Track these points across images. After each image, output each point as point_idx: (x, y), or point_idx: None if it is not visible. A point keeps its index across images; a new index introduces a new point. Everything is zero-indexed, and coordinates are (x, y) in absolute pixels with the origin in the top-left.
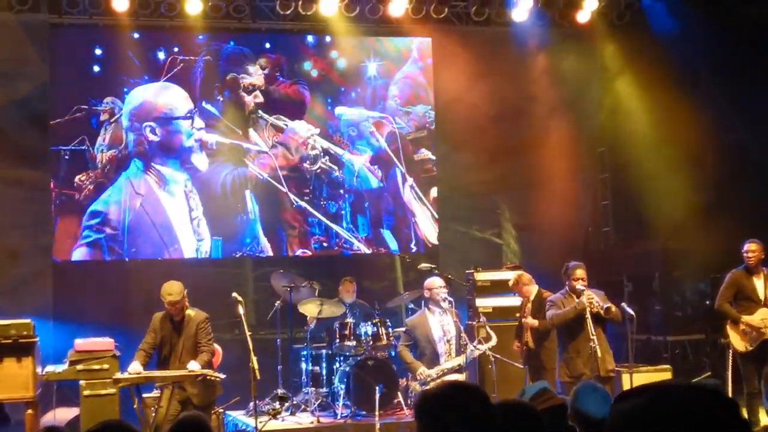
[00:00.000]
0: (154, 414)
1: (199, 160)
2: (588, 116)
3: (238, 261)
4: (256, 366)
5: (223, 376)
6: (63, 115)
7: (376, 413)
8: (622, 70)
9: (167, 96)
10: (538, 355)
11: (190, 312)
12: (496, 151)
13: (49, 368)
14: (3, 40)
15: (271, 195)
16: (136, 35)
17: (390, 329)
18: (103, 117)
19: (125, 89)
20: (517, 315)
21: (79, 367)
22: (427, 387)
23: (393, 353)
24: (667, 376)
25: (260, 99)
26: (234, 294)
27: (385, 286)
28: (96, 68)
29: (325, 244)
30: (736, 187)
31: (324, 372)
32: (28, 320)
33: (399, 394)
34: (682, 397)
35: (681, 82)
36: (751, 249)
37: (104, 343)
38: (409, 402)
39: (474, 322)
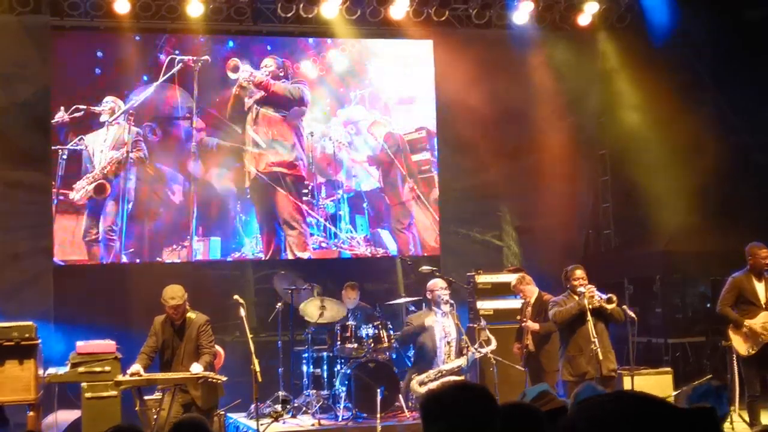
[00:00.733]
0: (155, 416)
1: (199, 161)
2: (589, 119)
3: (237, 262)
4: (258, 369)
5: (224, 378)
6: (63, 116)
7: (378, 415)
8: (622, 73)
9: (167, 96)
10: (538, 358)
11: (191, 315)
12: (497, 154)
13: (51, 370)
14: (5, 42)
15: (270, 195)
16: (137, 38)
17: (391, 331)
18: (104, 117)
19: (126, 90)
20: (518, 318)
21: (81, 369)
22: (427, 387)
23: (394, 355)
24: (667, 378)
25: (260, 100)
26: (235, 296)
27: (386, 288)
28: (97, 70)
29: (323, 245)
30: (737, 189)
31: (325, 374)
32: (29, 322)
33: (400, 396)
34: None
35: (681, 84)
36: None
37: (106, 345)
38: (410, 404)
39: (475, 325)
